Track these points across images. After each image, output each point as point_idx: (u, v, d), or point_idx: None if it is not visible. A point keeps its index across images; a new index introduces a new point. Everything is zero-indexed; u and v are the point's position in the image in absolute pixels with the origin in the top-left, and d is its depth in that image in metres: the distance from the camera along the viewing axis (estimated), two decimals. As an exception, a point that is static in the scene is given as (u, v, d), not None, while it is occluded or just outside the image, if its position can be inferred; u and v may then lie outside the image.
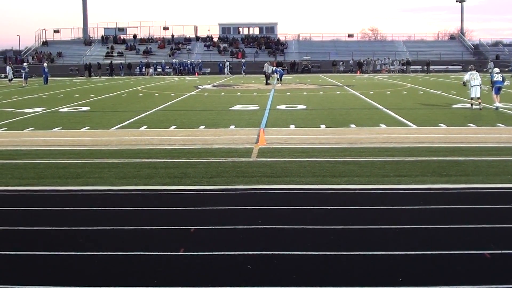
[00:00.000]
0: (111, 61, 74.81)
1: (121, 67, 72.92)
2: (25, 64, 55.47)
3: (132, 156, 14.34)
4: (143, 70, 72.63)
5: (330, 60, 75.68)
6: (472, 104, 24.54)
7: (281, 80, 45.85)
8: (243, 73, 66.38)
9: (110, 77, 68.88)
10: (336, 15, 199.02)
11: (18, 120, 22.97)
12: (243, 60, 73.05)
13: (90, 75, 69.37)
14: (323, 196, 10.27)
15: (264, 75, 47.45)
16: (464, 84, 25.57)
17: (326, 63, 75.11)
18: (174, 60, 76.56)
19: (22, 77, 50.62)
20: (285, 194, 10.42)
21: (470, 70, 25.55)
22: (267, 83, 45.85)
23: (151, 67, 72.73)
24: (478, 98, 24.10)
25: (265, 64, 49.48)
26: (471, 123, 19.73)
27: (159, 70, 73.09)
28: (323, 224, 8.48)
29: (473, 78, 24.31)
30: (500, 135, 17.03)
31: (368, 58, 73.88)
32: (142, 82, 54.00)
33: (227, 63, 69.08)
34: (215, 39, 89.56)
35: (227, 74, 66.71)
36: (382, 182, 11.10)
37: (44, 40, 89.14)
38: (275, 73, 46.12)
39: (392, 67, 72.72)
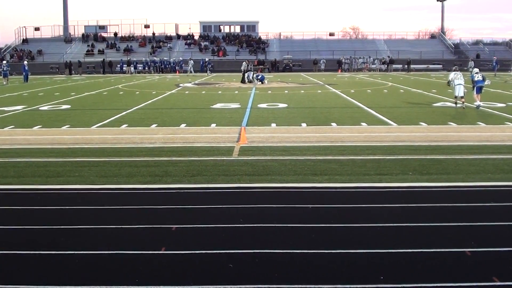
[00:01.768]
0: (103, 59, 74.59)
1: (102, 65, 72.54)
2: (4, 62, 54.60)
3: (113, 154, 14.28)
4: (124, 68, 72.19)
5: (311, 58, 75.75)
6: (456, 103, 24.73)
7: (262, 83, 45.36)
8: (209, 72, 65.91)
9: (102, 74, 68.46)
10: (318, 14, 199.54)
11: (-3, 118, 22.80)
12: (207, 59, 72.58)
13: (70, 73, 68.91)
14: (304, 195, 10.28)
15: (242, 73, 47.42)
16: (449, 83, 25.87)
17: (307, 62, 75.14)
18: (155, 58, 76.28)
19: (1, 75, 49.83)
20: (267, 192, 10.41)
21: (454, 70, 26.12)
22: (242, 81, 45.86)
23: (131, 65, 72.33)
24: (462, 97, 24.31)
25: (243, 62, 49.27)
26: (452, 122, 19.85)
27: (140, 68, 72.78)
28: (304, 222, 8.49)
29: (457, 77, 24.74)
30: (480, 134, 17.15)
31: (350, 57, 74.09)
32: (123, 80, 53.75)
33: (191, 61, 68.39)
34: (196, 37, 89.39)
35: (190, 72, 65.97)
36: (363, 181, 11.13)
37: (24, 37, 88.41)
38: (257, 78, 45.88)
39: (373, 66, 72.95)
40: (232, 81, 49.66)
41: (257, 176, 11.61)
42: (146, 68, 73.22)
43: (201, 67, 69.45)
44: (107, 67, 72.12)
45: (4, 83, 47.85)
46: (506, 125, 19.21)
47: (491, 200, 9.77)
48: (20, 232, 8.27)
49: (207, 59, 72.24)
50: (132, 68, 71.65)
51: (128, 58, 75.44)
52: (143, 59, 75.58)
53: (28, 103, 29.39)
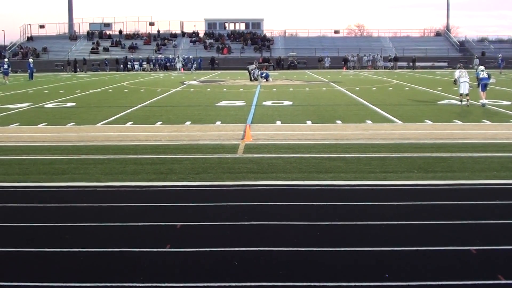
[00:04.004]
0: (126, 56, 75.32)
1: (107, 62, 72.65)
2: (5, 59, 53.73)
3: (118, 152, 14.28)
4: (128, 64, 72.32)
5: (316, 56, 75.64)
6: (461, 101, 24.70)
7: (267, 80, 45.04)
8: (193, 70, 65.51)
9: (126, 72, 68.66)
10: (323, 11, 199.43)
11: (3, 115, 22.82)
12: (191, 57, 71.97)
13: (75, 71, 68.96)
14: (309, 192, 10.27)
15: (247, 71, 47.33)
16: (455, 82, 25.93)
17: (312, 59, 75.06)
18: (159, 56, 76.27)
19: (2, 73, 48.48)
20: (271, 190, 10.41)
21: (459, 68, 26.33)
22: (251, 79, 45.72)
23: (150, 63, 72.51)
24: (467, 94, 24.29)
25: (253, 64, 49.01)
26: (457, 120, 19.81)
27: (145, 65, 72.86)
28: (309, 220, 8.48)
29: (462, 75, 24.76)
30: (485, 132, 17.11)
31: (358, 55, 74.01)
32: (127, 77, 53.81)
33: (180, 58, 67.67)
34: (201, 34, 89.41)
35: (179, 70, 65.25)
36: (368, 178, 11.12)
37: (29, 35, 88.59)
38: (262, 75, 45.72)
39: (379, 64, 72.80)
40: (237, 78, 49.63)
41: (262, 174, 11.61)
42: (152, 65, 73.25)
43: (199, 65, 69.32)
44: (113, 65, 72.25)
45: (5, 81, 47.01)
46: (511, 123, 19.15)
47: (496, 198, 9.75)
48: (25, 230, 8.28)
49: (191, 57, 71.66)
50: (137, 66, 71.77)
51: (147, 56, 75.36)
52: (148, 56, 75.66)
53: (33, 100, 29.44)
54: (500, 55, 63.77)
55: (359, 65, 72.11)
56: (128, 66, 72.59)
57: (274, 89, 36.16)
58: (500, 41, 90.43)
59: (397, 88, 36.73)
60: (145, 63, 73.15)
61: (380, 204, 9.40)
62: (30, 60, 56.67)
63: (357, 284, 6.19)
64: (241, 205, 9.44)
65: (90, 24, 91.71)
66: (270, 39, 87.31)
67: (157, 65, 73.11)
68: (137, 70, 70.62)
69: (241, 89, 36.52)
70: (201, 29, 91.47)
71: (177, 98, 30.51)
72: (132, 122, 19.98)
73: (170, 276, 6.45)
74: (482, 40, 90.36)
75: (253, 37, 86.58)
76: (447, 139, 15.66)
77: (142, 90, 36.87)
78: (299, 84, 42.10)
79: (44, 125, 19.57)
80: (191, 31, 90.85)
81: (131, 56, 76.56)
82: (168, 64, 73.18)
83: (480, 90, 24.47)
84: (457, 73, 25.67)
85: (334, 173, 11.59)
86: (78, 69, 69.79)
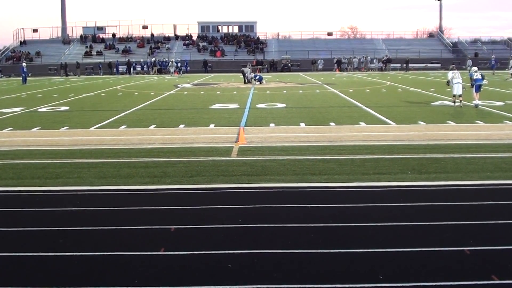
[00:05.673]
0: (128, 59, 74.87)
1: (100, 66, 72.41)
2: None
3: (111, 155, 14.27)
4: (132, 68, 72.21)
5: (309, 58, 75.72)
6: (454, 102, 24.78)
7: (260, 83, 45.04)
8: (180, 73, 65.07)
9: (129, 75, 68.45)
10: (316, 14, 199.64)
11: (-4, 120, 22.78)
12: (178, 59, 70.88)
13: (67, 75, 68.54)
14: (303, 194, 10.28)
15: (242, 74, 47.38)
16: (448, 83, 26.04)
17: (305, 62, 75.14)
18: (153, 59, 76.08)
19: None
20: (265, 192, 10.41)
21: (452, 69, 26.44)
22: (245, 82, 45.76)
23: (157, 66, 72.31)
24: (460, 95, 24.38)
25: (247, 67, 49.02)
26: (450, 121, 19.86)
27: (138, 69, 72.64)
28: (303, 222, 8.49)
29: (455, 76, 24.90)
30: (479, 132, 17.15)
31: (350, 57, 74.04)
32: (121, 81, 53.72)
33: (174, 62, 67.24)
34: (195, 37, 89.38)
35: (172, 74, 65.07)
36: (362, 180, 11.14)
37: (23, 39, 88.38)
38: (255, 78, 45.75)
39: (372, 65, 72.90)
40: (230, 81, 49.63)
41: (256, 176, 11.61)
42: (146, 68, 73.05)
43: (185, 68, 69.04)
44: (106, 68, 72.02)
45: None
46: (504, 123, 19.21)
47: (489, 198, 9.78)
48: (19, 234, 8.27)
49: (178, 59, 70.88)
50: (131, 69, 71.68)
51: (154, 59, 75.15)
52: (141, 60, 75.53)
53: (26, 104, 29.36)
54: (493, 56, 63.88)
55: (350, 67, 72.09)
56: (136, 69, 72.19)
57: (268, 92, 36.19)
58: (493, 42, 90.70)
59: (390, 89, 36.79)
60: (138, 67, 72.78)
61: (374, 206, 9.41)
62: (24, 64, 56.47)
63: (351, 285, 6.20)
64: (235, 207, 9.44)
65: (83, 27, 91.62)
66: (264, 41, 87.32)
67: (150, 68, 72.94)
68: (131, 74, 70.40)
69: (235, 92, 36.53)
70: (194, 32, 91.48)
71: (171, 101, 30.50)
72: (125, 126, 19.96)
73: (165, 279, 6.45)
74: (475, 41, 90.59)
75: (246, 39, 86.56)
76: (440, 140, 15.70)
77: (136, 93, 36.82)
78: (292, 86, 42.13)
79: (38, 129, 19.53)
80: (185, 34, 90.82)
81: (131, 59, 76.34)
82: (160, 67, 72.83)
83: (474, 91, 24.58)
84: (450, 74, 25.82)
85: (328, 175, 11.61)
86: (70, 73, 69.33)
